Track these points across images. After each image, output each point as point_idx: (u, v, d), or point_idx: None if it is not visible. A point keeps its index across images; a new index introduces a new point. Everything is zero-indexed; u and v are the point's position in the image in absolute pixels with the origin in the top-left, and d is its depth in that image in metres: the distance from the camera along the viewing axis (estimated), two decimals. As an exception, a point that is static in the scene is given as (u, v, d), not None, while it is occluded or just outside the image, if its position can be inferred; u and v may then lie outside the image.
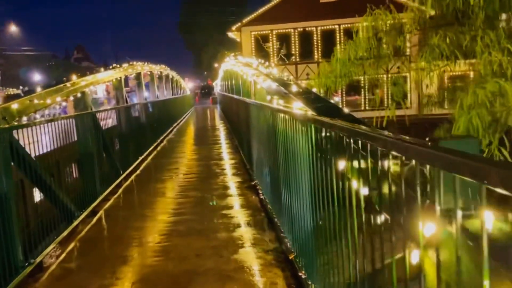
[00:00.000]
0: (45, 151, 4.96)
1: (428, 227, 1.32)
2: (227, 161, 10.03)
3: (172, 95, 25.50)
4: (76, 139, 6.15)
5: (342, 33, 23.61)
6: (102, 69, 11.46)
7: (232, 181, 7.75)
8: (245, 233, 4.94)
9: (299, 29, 24.71)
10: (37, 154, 4.70)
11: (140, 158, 10.29)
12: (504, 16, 9.27)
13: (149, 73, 18.85)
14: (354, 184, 2.09)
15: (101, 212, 6.28)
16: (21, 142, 4.38)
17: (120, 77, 12.00)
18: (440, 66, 10.60)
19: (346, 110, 4.18)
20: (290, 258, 3.86)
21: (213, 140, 14.82)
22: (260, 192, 6.27)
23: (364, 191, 1.98)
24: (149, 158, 11.18)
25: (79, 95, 7.45)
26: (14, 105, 5.15)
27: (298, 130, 3.27)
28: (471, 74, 11.90)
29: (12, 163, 4.17)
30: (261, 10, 24.97)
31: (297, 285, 3.54)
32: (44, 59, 72.97)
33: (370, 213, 1.94)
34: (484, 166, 0.98)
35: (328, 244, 2.62)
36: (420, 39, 12.93)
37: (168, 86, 24.28)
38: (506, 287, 1.42)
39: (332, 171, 2.42)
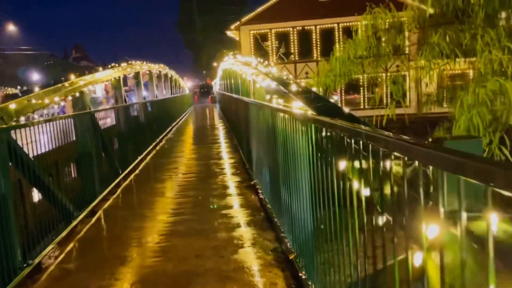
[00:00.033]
0: (43, 151, 4.93)
1: (431, 229, 1.30)
2: (227, 161, 10.00)
3: (171, 94, 25.44)
4: (74, 138, 6.14)
5: (341, 32, 23.55)
6: (100, 69, 11.41)
7: (231, 181, 7.73)
8: (245, 233, 4.93)
9: (298, 28, 24.67)
10: (35, 154, 4.68)
11: (139, 158, 10.27)
12: (504, 14, 9.26)
13: (148, 72, 18.79)
14: (355, 184, 2.07)
15: (100, 212, 6.26)
16: (19, 142, 4.36)
17: (119, 77, 11.94)
18: (439, 65, 10.59)
19: (346, 109, 4.16)
20: (290, 258, 3.84)
21: (212, 140, 14.79)
22: (260, 191, 6.24)
23: (365, 192, 1.96)
24: (148, 157, 11.15)
25: (77, 94, 7.41)
26: (12, 105, 5.11)
27: (298, 129, 3.25)
28: (471, 72, 11.89)
29: (10, 163, 4.15)
30: (260, 9, 24.92)
31: (297, 286, 3.52)
32: (43, 58, 72.99)
33: (370, 214, 1.92)
34: (491, 168, 0.95)
35: (328, 245, 2.60)
36: (419, 38, 12.92)
37: (167, 85, 24.21)
38: None
39: (333, 171, 2.40)
